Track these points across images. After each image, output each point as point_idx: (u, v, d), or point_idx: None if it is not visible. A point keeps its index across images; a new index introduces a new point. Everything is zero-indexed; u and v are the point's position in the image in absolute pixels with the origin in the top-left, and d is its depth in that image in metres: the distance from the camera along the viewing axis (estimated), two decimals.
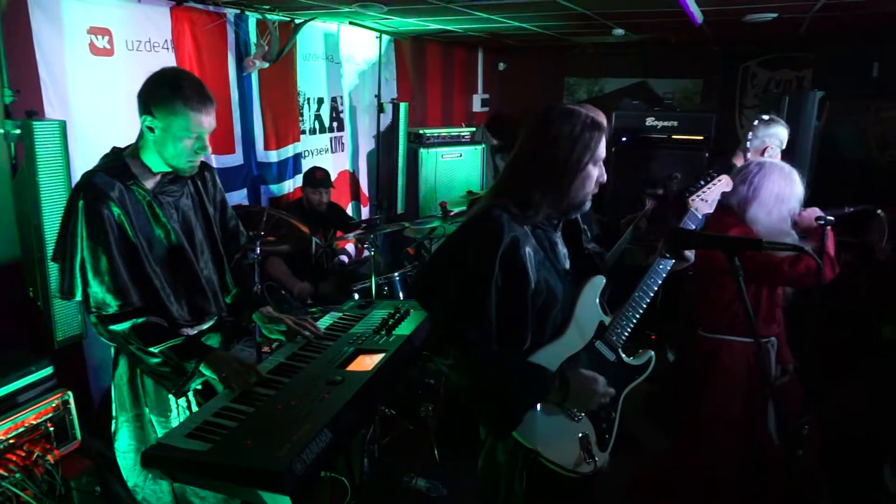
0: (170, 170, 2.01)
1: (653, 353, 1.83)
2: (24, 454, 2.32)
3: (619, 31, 5.16)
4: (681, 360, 3.12)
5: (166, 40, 3.55)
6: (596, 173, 1.68)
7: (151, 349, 1.92)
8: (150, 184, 2.01)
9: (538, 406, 1.65)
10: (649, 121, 4.99)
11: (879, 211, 3.11)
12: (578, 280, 1.78)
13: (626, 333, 1.77)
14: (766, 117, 3.42)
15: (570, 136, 1.62)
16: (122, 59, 3.29)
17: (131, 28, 3.34)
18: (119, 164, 1.98)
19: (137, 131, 1.98)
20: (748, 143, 3.41)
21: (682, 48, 6.27)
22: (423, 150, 5.44)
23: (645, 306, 1.79)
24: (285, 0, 3.79)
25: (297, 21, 4.34)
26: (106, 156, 2.03)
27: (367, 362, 2.08)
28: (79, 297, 1.94)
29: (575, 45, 6.55)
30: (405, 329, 2.30)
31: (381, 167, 5.42)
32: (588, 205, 1.73)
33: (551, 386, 1.62)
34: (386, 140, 5.37)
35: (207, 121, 1.94)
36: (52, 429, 2.42)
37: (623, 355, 1.78)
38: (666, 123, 4.97)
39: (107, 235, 1.88)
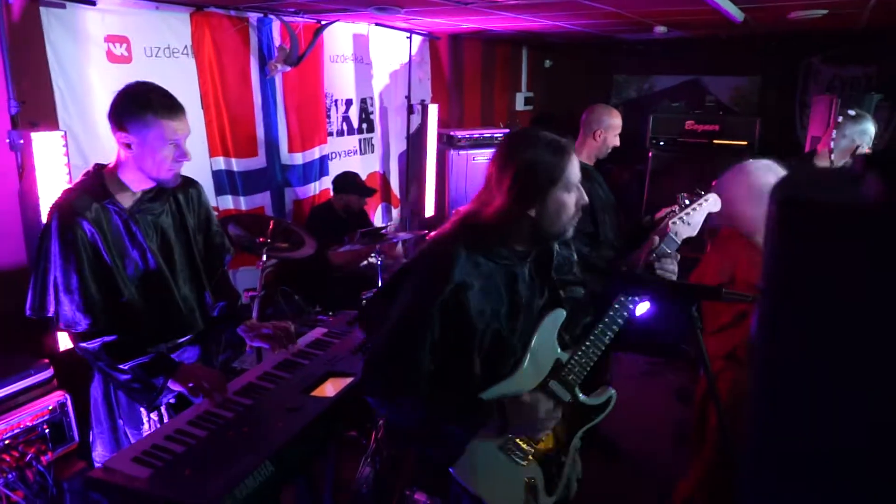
0: (151, 187, 2.01)
1: (613, 391, 1.68)
2: (18, 455, 2.40)
3: (662, 29, 4.88)
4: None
5: (186, 46, 3.59)
6: (572, 199, 1.56)
7: (120, 366, 1.94)
8: (127, 202, 2.00)
9: (481, 450, 1.55)
10: (689, 124, 4.68)
11: None
12: (541, 314, 1.66)
13: (585, 372, 1.63)
14: (852, 113, 3.15)
15: (531, 163, 1.52)
16: (140, 66, 3.35)
17: (150, 35, 3.40)
18: (98, 182, 1.99)
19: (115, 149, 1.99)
20: (832, 142, 3.14)
21: (736, 43, 5.86)
22: (452, 152, 5.34)
23: (608, 342, 1.64)
24: (309, 3, 3.77)
25: (322, 24, 4.32)
26: (86, 173, 2.05)
27: (332, 387, 2.03)
28: (49, 315, 1.96)
29: (623, 41, 6.26)
30: None
31: (409, 169, 5.36)
32: (570, 233, 1.62)
33: (488, 415, 1.53)
34: (415, 141, 5.31)
35: (181, 127, 1.95)
36: (47, 430, 2.50)
37: (580, 395, 1.65)
38: (707, 127, 4.65)
39: (79, 255, 1.90)
